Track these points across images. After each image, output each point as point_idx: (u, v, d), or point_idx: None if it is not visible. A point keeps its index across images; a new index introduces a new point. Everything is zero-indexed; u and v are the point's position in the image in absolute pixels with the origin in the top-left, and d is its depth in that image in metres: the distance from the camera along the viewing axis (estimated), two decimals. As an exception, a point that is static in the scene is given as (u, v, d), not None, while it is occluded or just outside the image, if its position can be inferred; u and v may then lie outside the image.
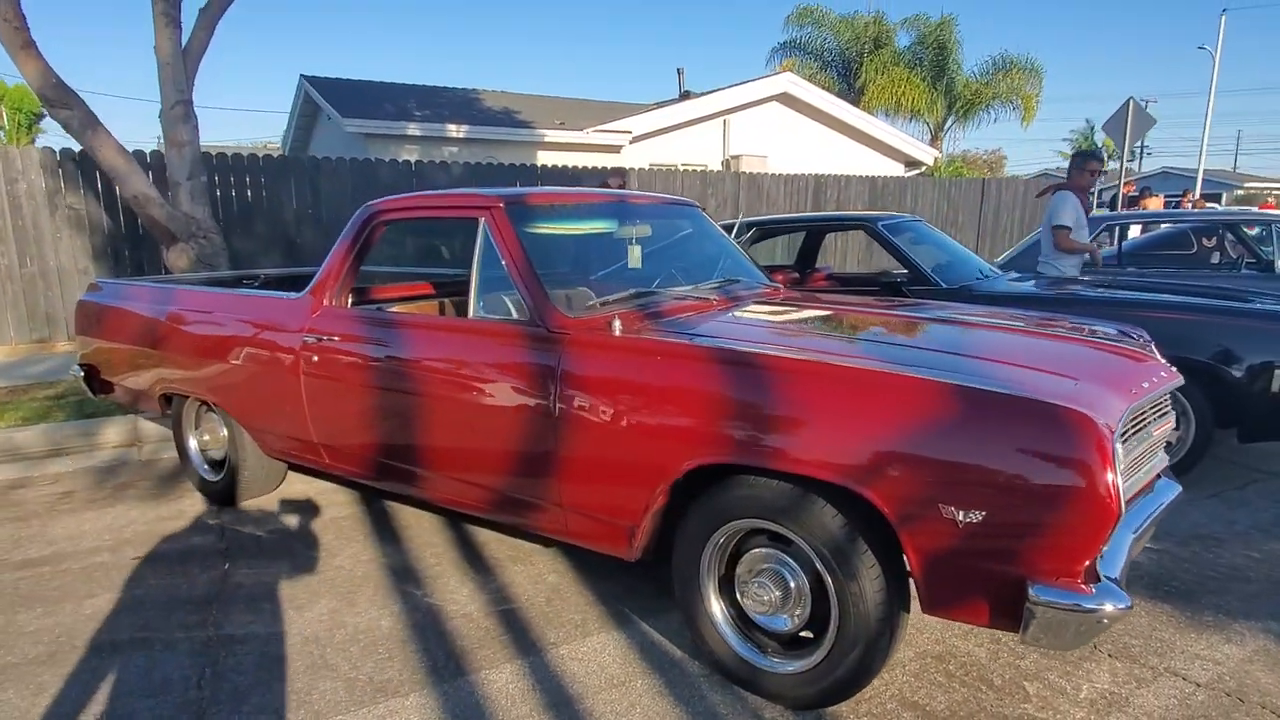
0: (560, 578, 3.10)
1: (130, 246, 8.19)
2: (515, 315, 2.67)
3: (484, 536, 3.50)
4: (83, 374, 4.51)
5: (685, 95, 16.98)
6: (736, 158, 15.67)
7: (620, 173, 8.67)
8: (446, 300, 3.90)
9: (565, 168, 11.42)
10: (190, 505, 4.01)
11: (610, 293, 2.84)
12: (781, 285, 3.56)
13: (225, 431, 3.84)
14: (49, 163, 7.75)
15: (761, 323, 2.74)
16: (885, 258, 5.18)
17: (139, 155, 7.46)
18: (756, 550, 2.27)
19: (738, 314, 2.90)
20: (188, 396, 3.96)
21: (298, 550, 3.41)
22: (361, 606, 2.90)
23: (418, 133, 13.15)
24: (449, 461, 2.85)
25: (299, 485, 4.20)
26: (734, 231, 4.39)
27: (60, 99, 5.48)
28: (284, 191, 9.03)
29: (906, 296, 4.48)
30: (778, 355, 2.20)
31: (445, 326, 2.96)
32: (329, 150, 11.83)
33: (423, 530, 3.60)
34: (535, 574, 3.14)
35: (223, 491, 3.93)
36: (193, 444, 4.10)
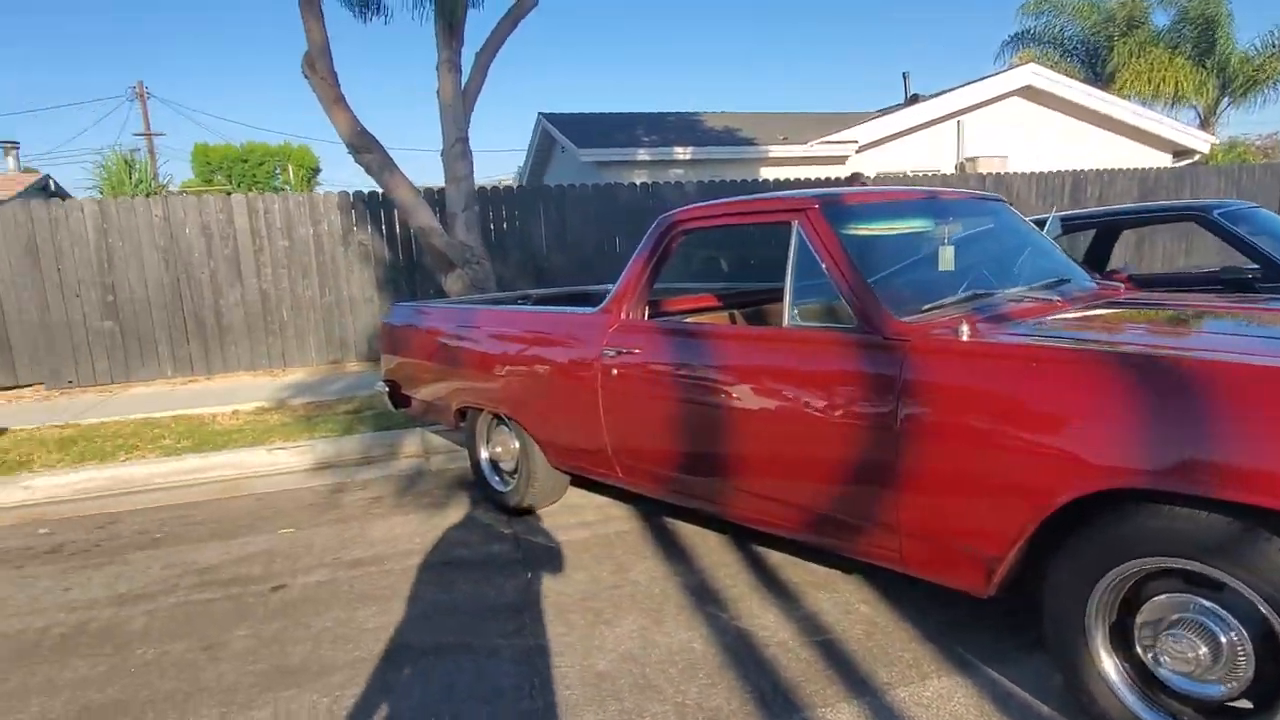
0: (872, 609, 2.84)
1: (406, 276, 9.08)
2: (839, 322, 2.47)
3: (776, 559, 3.32)
4: (386, 390, 4.94)
5: (913, 99, 16.12)
6: (972, 160, 14.55)
7: (859, 179, 8.28)
8: (735, 312, 3.81)
9: (792, 181, 11.18)
10: (482, 514, 4.21)
11: (937, 296, 2.56)
12: (1123, 285, 3.08)
13: (516, 444, 4.00)
14: (345, 204, 8.80)
15: (1138, 324, 2.33)
16: (1207, 253, 4.41)
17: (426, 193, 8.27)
18: (1166, 595, 1.88)
19: (1090, 314, 2.50)
20: (482, 410, 4.18)
21: (591, 563, 3.43)
22: (669, 626, 2.82)
23: (646, 157, 13.54)
24: (760, 478, 2.70)
25: (577, 497, 4.28)
26: (1045, 228, 3.93)
27: (364, 145, 6.17)
28: (532, 219, 9.59)
29: (1260, 294, 3.75)
30: (1208, 358, 1.81)
31: (760, 336, 2.84)
32: (562, 179, 12.49)
33: (710, 548, 3.49)
34: (843, 602, 2.90)
35: (512, 502, 4.08)
36: (484, 455, 4.31)
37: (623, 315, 3.22)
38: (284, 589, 3.36)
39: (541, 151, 17.92)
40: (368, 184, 7.39)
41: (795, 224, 2.63)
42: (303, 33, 6.04)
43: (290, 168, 41.55)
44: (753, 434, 2.66)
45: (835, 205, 2.64)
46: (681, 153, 13.68)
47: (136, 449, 5.74)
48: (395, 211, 8.97)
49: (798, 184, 11.08)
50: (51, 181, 21.68)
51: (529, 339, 3.69)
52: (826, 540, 2.60)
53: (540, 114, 16.34)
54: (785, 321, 2.62)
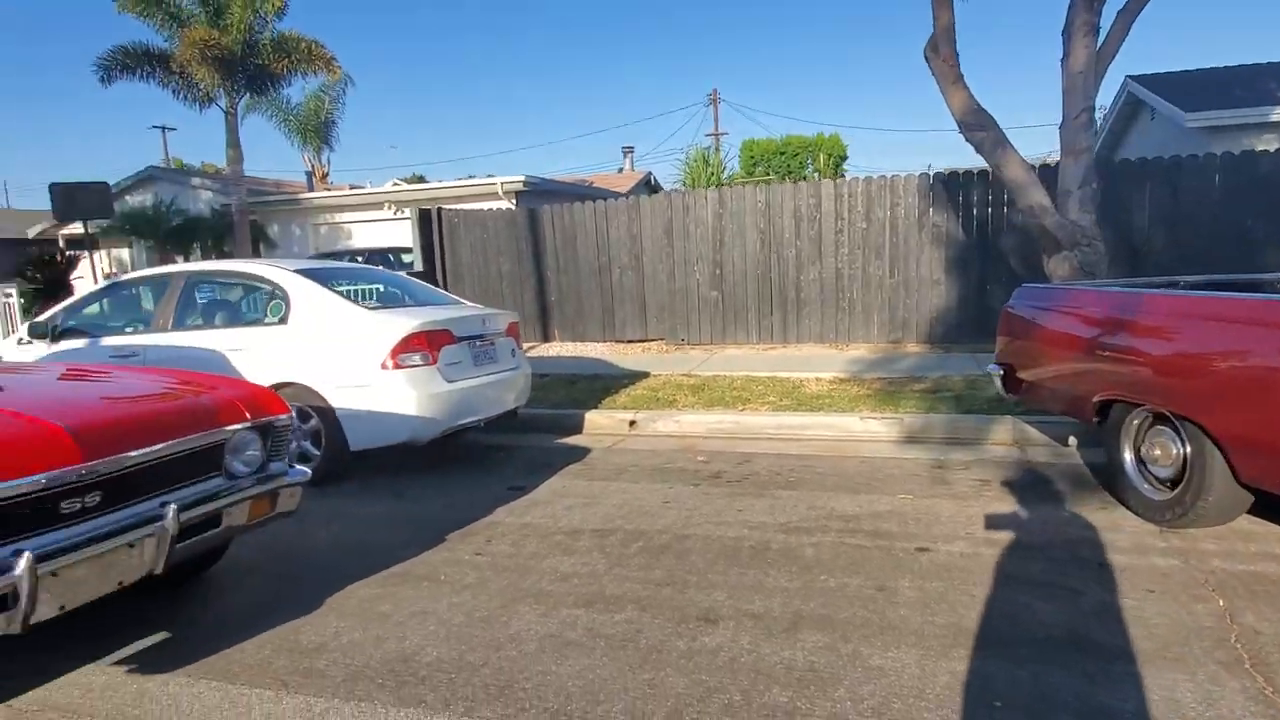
0: None
1: (979, 259, 8.78)
2: None
3: None
4: (1000, 373, 4.81)
5: None
6: None
7: None
8: None
9: None
10: (1122, 519, 3.81)
11: None
12: None
13: (1184, 449, 3.50)
14: (923, 186, 8.88)
15: None
16: None
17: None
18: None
19: None
20: (1135, 405, 3.77)
21: (1310, 607, 2.82)
22: None
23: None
24: None
25: (1248, 523, 3.58)
26: None
27: (978, 122, 6.09)
28: (1131, 196, 8.37)
29: None
30: None
31: None
32: (1143, 151, 10.62)
33: None
34: None
35: (1166, 515, 3.60)
36: (1128, 457, 3.90)
37: None
38: (929, 552, 3.50)
39: (1121, 120, 15.62)
40: (881, 167, 7.27)
41: None
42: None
43: (821, 156, 44.07)
44: None
45: None
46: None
47: (749, 402, 6.67)
48: (974, 194, 8.72)
49: None
50: (651, 177, 26.69)
51: (1242, 331, 3.16)
52: None
53: (1127, 77, 14.21)
54: None
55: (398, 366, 4.77)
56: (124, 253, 23.35)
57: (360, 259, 15.79)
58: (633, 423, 6.39)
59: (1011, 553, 3.47)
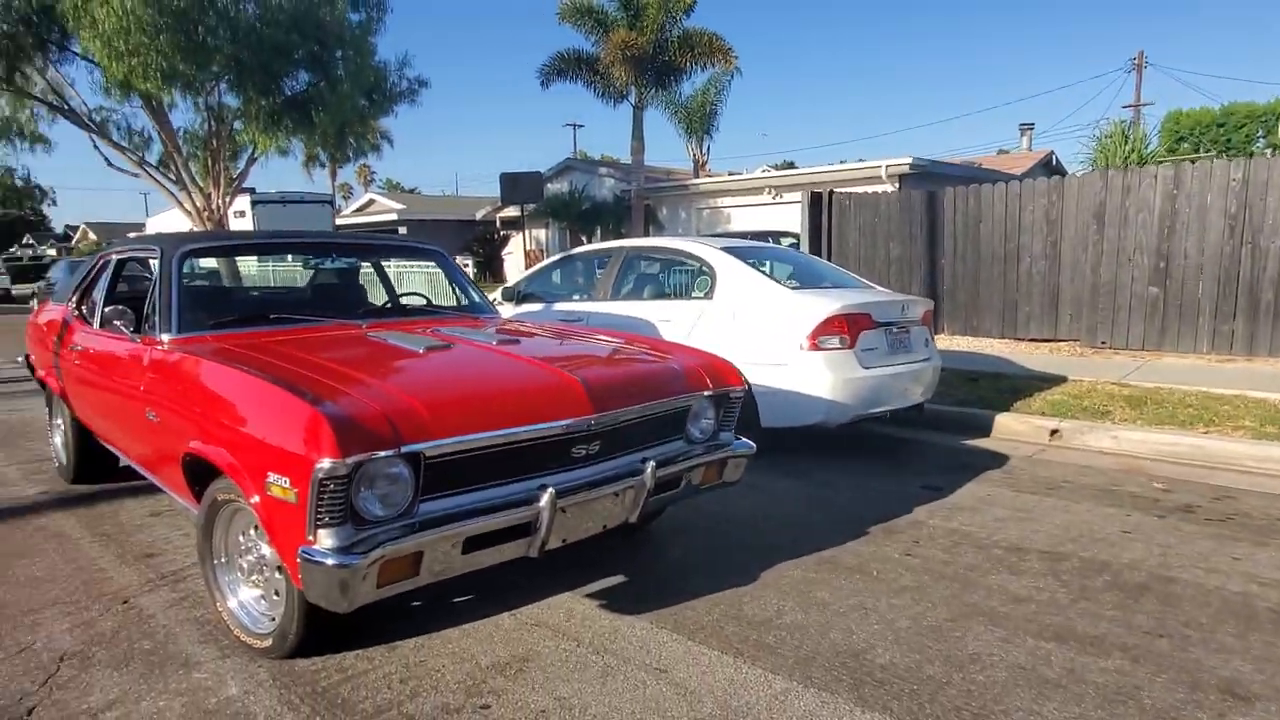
0: None
1: None
2: None
3: None
4: None
5: None
6: None
7: None
8: None
9: None
10: None
11: None
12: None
13: None
14: None
15: None
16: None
17: None
18: None
19: None
20: None
21: None
22: None
23: None
24: None
25: None
26: None
27: None
28: None
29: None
30: None
31: None
32: None
33: None
34: None
35: None
36: None
37: None
38: None
39: None
40: None
41: None
42: None
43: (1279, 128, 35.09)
44: None
45: None
46: None
47: (1213, 424, 5.44)
48: None
49: None
50: (1054, 157, 23.65)
51: None
52: None
53: None
54: None
55: (816, 348, 4.71)
56: (540, 233, 27.20)
57: (747, 240, 16.40)
58: (1055, 432, 5.61)
59: None
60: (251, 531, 2.60)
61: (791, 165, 46.18)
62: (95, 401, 3.84)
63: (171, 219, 31.54)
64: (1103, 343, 8.67)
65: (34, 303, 20.01)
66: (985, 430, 5.85)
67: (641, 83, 19.55)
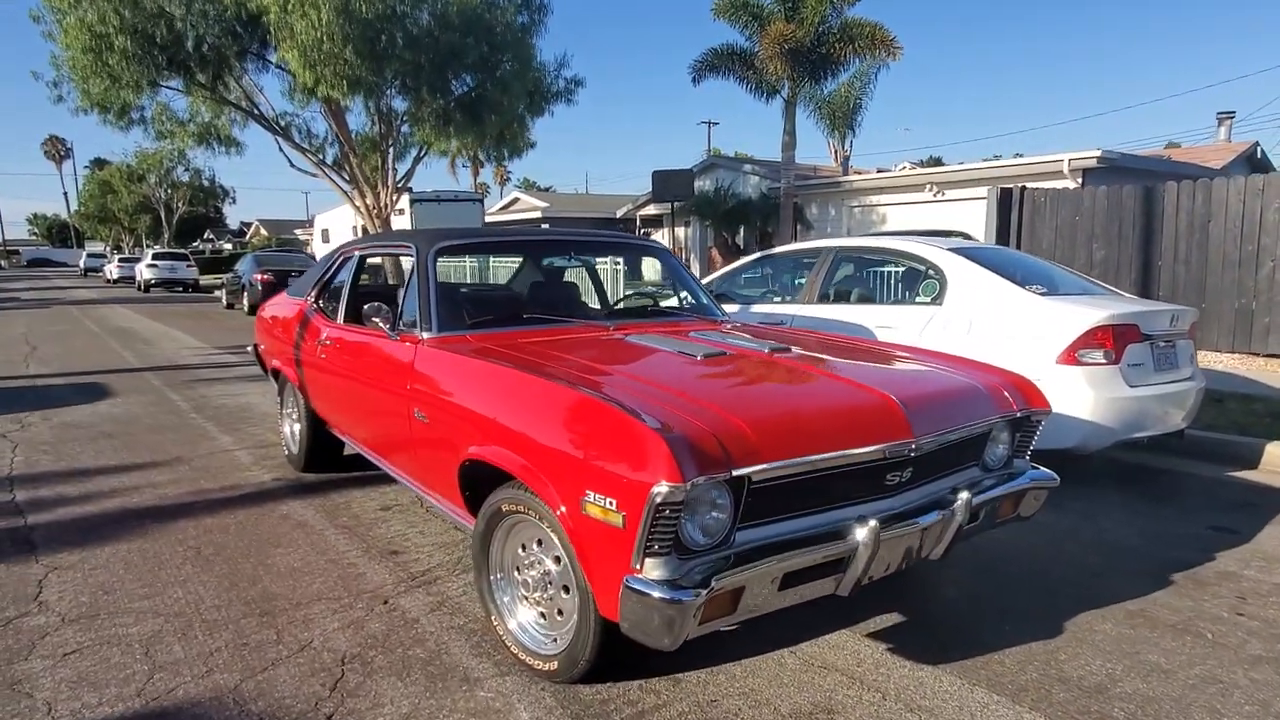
0: None
1: None
2: None
3: None
4: None
5: None
6: None
7: None
8: None
9: None
10: None
11: None
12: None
13: None
14: None
15: None
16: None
17: None
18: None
19: None
20: None
21: None
22: None
23: None
24: None
25: None
26: None
27: None
28: None
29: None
30: None
31: None
32: None
33: None
34: None
35: None
36: None
37: None
38: None
39: None
40: None
41: None
42: None
43: None
44: None
45: None
46: None
47: None
48: None
49: None
50: (1259, 149, 21.14)
51: None
52: None
53: None
54: None
55: (1076, 362, 4.19)
56: (680, 231, 27.05)
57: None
58: (1348, 469, 4.79)
59: None
60: (534, 546, 2.46)
61: (939, 162, 43.91)
62: (343, 396, 3.89)
63: (336, 216, 33.69)
64: (1366, 362, 7.49)
65: (221, 294, 21.81)
66: (1251, 462, 5.09)
67: (796, 76, 18.97)
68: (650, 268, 7.85)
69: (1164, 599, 3.03)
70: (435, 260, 3.39)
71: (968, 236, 15.91)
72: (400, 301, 3.42)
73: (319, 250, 35.67)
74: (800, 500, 2.20)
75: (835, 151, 31.80)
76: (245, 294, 17.45)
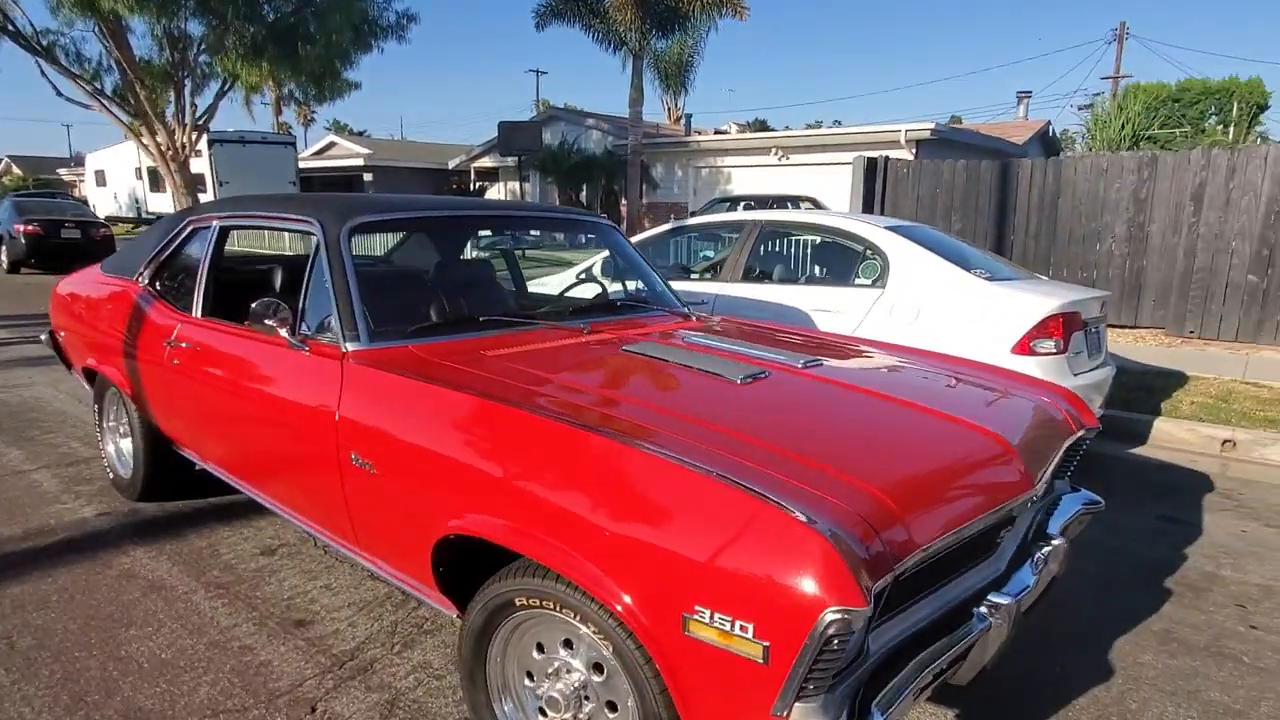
0: None
1: None
2: None
3: None
4: None
5: None
6: None
7: None
8: None
9: None
10: None
11: None
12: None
13: None
14: None
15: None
16: None
17: None
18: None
19: None
20: None
21: None
22: None
23: None
24: None
25: None
26: None
27: None
28: None
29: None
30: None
31: None
32: None
33: None
34: None
35: None
36: None
37: None
38: None
39: None
40: None
41: None
42: None
43: (1236, 106, 35.62)
44: None
45: None
46: None
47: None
48: None
49: None
50: (1050, 128, 23.37)
51: None
52: None
53: None
54: None
55: (1030, 353, 4.06)
56: (514, 185, 25.90)
57: (751, 205, 15.62)
58: (1227, 443, 5.12)
59: None
60: (561, 650, 1.82)
61: (763, 125, 45.16)
62: (216, 422, 2.93)
63: (115, 155, 29.04)
64: (1190, 332, 8.28)
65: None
66: (1141, 438, 5.34)
67: (644, 28, 18.40)
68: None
69: (1177, 614, 2.92)
70: (349, 242, 2.56)
71: (816, 202, 16.25)
72: (302, 296, 2.56)
73: (93, 195, 30.70)
74: (924, 580, 1.73)
75: (669, 109, 31.62)
76: (3, 247, 14.47)
